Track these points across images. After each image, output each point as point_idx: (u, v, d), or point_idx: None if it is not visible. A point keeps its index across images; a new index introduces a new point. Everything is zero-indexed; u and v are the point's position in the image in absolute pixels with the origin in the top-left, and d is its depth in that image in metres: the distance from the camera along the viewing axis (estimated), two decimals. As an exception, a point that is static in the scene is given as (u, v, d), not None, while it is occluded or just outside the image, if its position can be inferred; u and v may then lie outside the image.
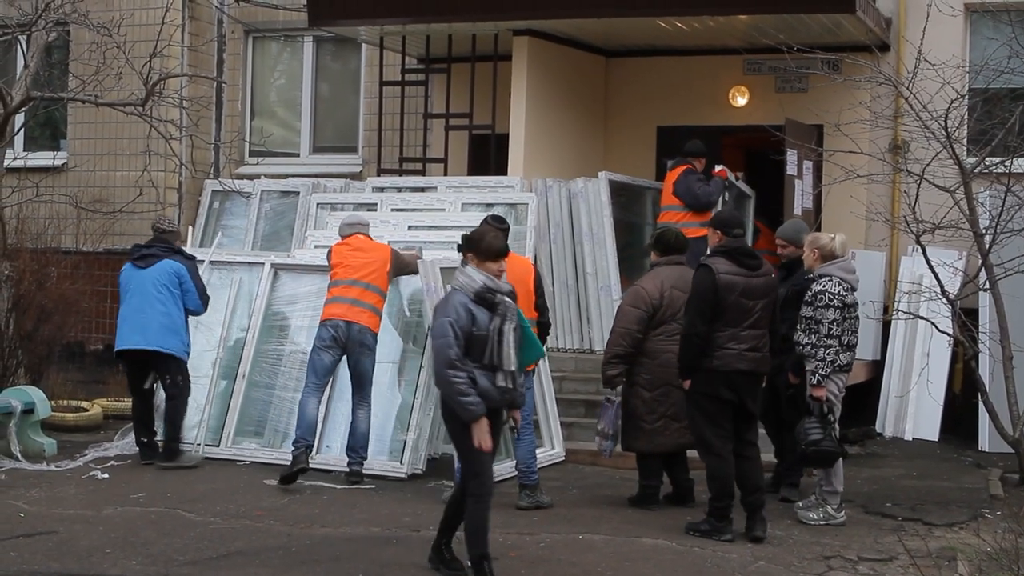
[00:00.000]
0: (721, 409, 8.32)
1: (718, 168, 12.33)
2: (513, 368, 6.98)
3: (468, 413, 6.85)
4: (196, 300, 10.50)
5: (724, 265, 8.28)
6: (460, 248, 7.21)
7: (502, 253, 7.12)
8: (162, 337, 10.34)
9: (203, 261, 11.30)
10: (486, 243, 7.09)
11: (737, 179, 12.85)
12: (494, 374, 6.94)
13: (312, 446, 9.85)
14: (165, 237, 10.67)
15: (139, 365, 10.53)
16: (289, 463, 9.70)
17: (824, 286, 8.68)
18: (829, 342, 8.60)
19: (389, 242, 11.08)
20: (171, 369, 10.43)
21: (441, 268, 10.03)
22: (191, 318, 10.69)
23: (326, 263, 10.32)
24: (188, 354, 10.59)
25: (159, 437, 10.60)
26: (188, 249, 11.28)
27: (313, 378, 9.93)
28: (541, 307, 9.23)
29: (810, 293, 8.72)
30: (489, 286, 6.97)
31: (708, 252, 8.73)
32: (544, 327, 9.29)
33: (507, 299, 7.03)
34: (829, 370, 8.60)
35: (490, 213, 9.75)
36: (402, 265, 10.21)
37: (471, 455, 6.97)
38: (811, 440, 8.51)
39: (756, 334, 8.30)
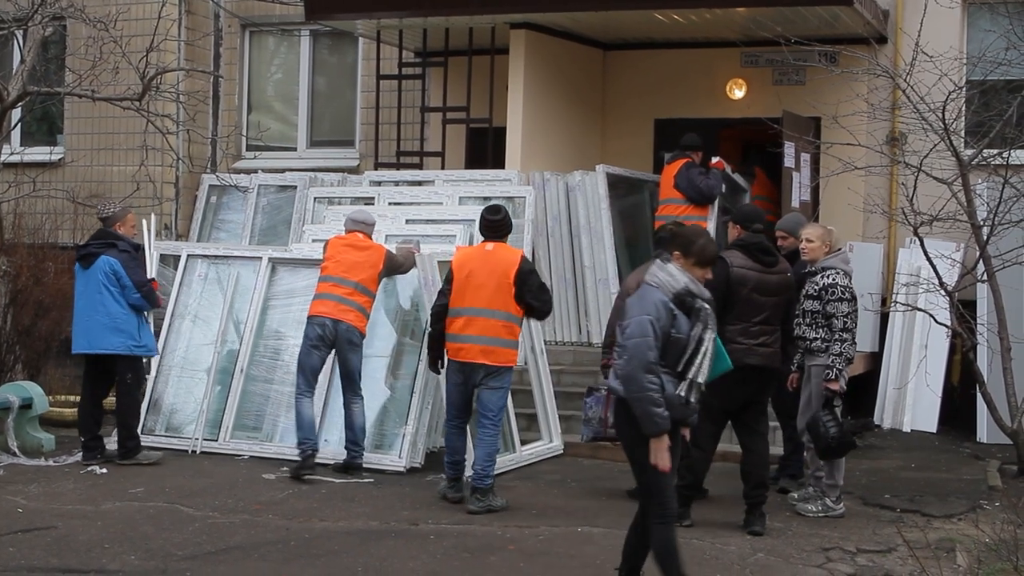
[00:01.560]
0: (722, 408, 8.31)
1: (715, 160, 12.33)
2: (703, 380, 6.41)
3: (655, 426, 6.20)
4: (134, 295, 10.15)
5: (739, 259, 8.28)
6: (663, 241, 6.65)
7: (714, 260, 6.60)
8: (105, 338, 10.15)
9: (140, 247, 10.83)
10: (699, 246, 6.47)
11: (732, 172, 12.85)
12: (681, 385, 6.35)
13: (317, 444, 9.87)
14: (105, 225, 10.36)
15: (98, 365, 10.38)
16: (298, 458, 9.82)
17: (834, 279, 8.62)
18: (844, 335, 8.53)
19: (387, 236, 11.08)
20: (120, 368, 10.27)
21: (439, 261, 10.03)
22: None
23: (323, 257, 10.29)
24: (144, 349, 10.37)
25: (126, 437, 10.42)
26: (183, 243, 11.16)
27: (303, 380, 9.92)
28: (531, 304, 8.98)
29: (817, 287, 8.66)
30: (691, 289, 6.38)
31: (727, 245, 8.74)
32: (541, 316, 9.24)
33: (707, 306, 6.43)
34: (845, 364, 8.56)
35: (488, 204, 9.59)
36: (395, 266, 10.16)
37: (651, 471, 6.32)
38: (833, 435, 8.47)
39: (767, 330, 8.31)
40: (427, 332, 9.37)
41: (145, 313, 10.41)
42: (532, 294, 8.94)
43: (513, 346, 9.03)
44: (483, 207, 11.77)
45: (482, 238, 9.27)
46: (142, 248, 10.72)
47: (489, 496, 8.85)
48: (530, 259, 9.38)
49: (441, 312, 9.02)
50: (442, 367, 9.10)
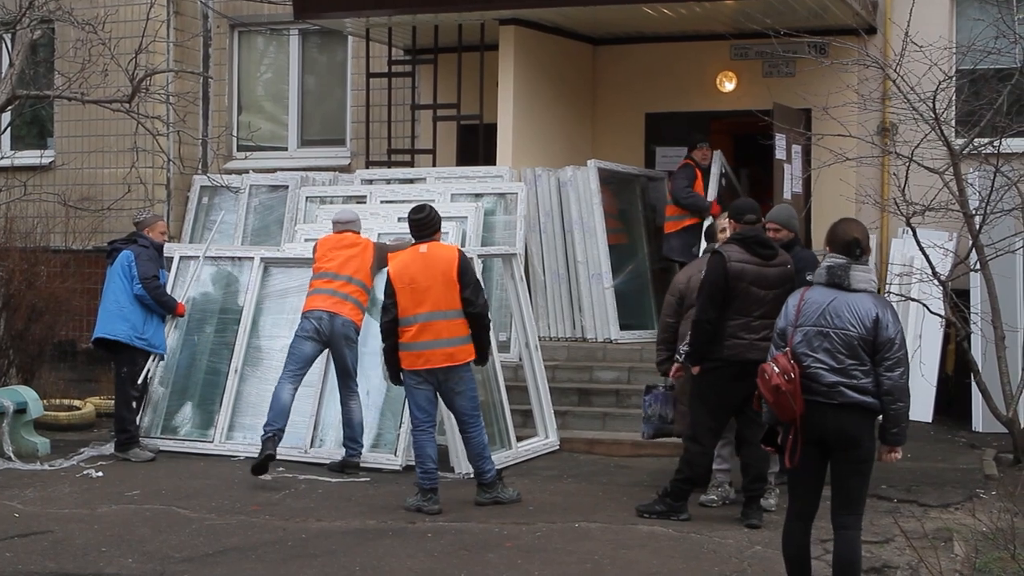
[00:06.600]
0: (722, 404, 8.31)
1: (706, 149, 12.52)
2: None
3: (905, 435, 6.36)
4: (137, 285, 10.44)
5: (736, 253, 8.23)
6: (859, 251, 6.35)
7: None
8: (112, 324, 10.45)
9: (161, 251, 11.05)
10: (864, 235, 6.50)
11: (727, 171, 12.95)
12: None
13: (283, 431, 9.66)
14: (136, 229, 10.82)
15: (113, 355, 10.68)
16: (260, 439, 9.66)
17: None
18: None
19: (379, 234, 11.07)
20: (119, 360, 10.53)
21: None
22: (191, 311, 10.81)
23: (314, 258, 10.25)
24: (146, 343, 10.53)
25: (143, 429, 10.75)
26: (175, 244, 11.23)
27: (292, 366, 9.84)
28: (468, 299, 8.75)
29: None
30: None
31: (726, 239, 8.70)
32: (475, 318, 8.80)
33: None
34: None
35: (414, 206, 9.18)
36: (384, 256, 9.99)
37: (867, 483, 6.44)
38: (766, 420, 8.40)
39: (768, 324, 8.21)
40: (382, 348, 8.97)
41: (166, 317, 10.77)
42: (469, 289, 8.76)
43: (469, 341, 8.83)
44: (475, 204, 11.92)
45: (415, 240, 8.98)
46: (162, 249, 10.95)
47: (496, 488, 8.86)
48: (469, 255, 9.11)
49: (392, 327, 8.74)
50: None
